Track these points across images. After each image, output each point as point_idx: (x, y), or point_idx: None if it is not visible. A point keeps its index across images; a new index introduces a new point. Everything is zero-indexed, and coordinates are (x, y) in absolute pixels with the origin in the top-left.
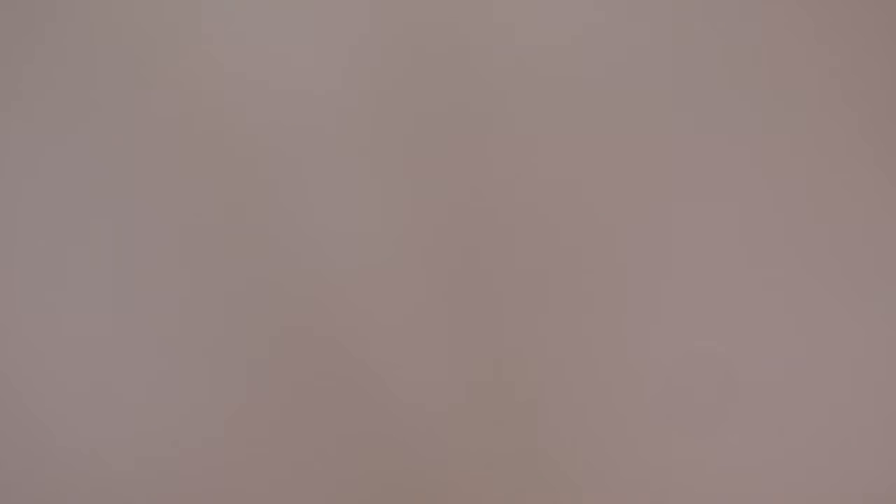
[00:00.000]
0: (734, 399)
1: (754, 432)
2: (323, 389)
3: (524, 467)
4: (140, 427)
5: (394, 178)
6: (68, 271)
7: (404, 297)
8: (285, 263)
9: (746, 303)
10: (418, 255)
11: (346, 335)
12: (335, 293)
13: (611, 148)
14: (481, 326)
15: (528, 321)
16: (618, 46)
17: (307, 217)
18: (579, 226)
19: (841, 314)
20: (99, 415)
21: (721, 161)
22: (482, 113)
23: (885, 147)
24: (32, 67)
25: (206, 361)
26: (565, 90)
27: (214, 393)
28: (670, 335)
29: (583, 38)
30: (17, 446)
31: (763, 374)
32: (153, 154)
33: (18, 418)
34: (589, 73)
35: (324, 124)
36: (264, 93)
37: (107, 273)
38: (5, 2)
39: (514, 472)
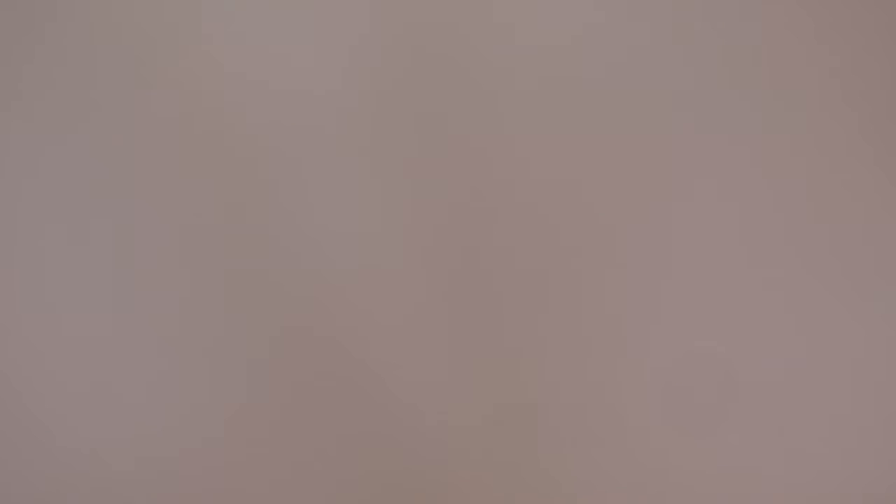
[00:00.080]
0: (734, 399)
1: (754, 432)
2: (323, 389)
3: (524, 467)
4: (140, 427)
5: (394, 178)
6: (68, 271)
7: (404, 297)
8: (285, 263)
9: (746, 303)
10: (418, 255)
11: (346, 335)
12: (335, 293)
13: (611, 148)
14: (481, 326)
15: (528, 321)
16: (618, 46)
17: (307, 217)
18: (579, 226)
19: (841, 314)
20: (99, 415)
21: (721, 161)
22: (482, 113)
23: (885, 147)
24: (32, 67)
25: (206, 361)
26: (565, 90)
27: (214, 393)
28: (670, 335)
29: (583, 38)
30: (17, 446)
31: (763, 374)
32: (153, 154)
33: (18, 418)
34: (589, 73)
35: (324, 124)
36: (264, 93)
37: (107, 273)
38: (5, 2)
39: (513, 472)
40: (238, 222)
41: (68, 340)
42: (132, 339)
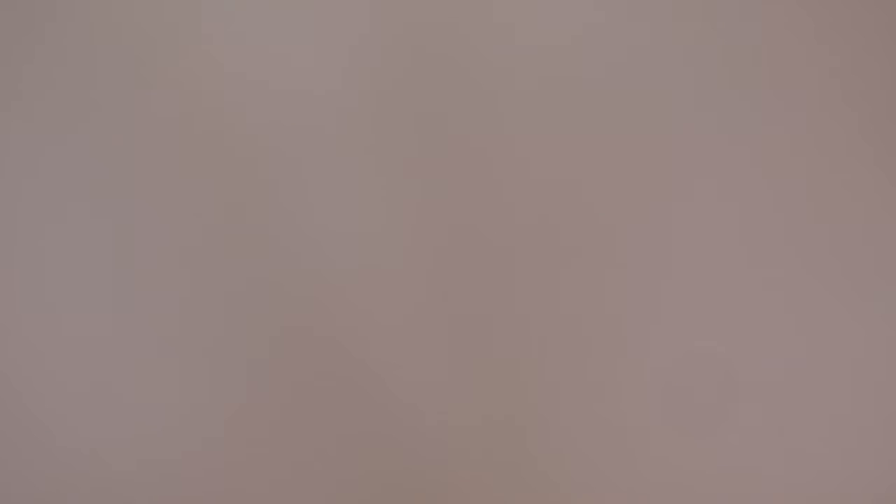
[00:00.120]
0: (734, 399)
1: (754, 432)
2: (323, 389)
3: (524, 467)
4: (140, 427)
5: (393, 178)
6: (68, 271)
7: (404, 297)
8: (285, 263)
9: (746, 303)
10: (418, 255)
11: (346, 335)
12: (335, 293)
13: (611, 148)
14: (481, 326)
15: (528, 321)
16: (618, 46)
17: (307, 217)
18: (580, 225)
19: (841, 314)
20: (99, 415)
21: (721, 161)
22: (482, 113)
23: (885, 147)
24: (32, 67)
25: (206, 361)
26: (565, 90)
27: (214, 393)
28: (670, 335)
29: (583, 38)
30: (18, 446)
31: (763, 374)
32: (153, 154)
33: (18, 418)
34: (589, 73)
35: (324, 124)
36: (264, 93)
37: (107, 273)
38: (5, 2)
39: (513, 472)
40: (238, 222)
41: (68, 340)
42: (132, 339)
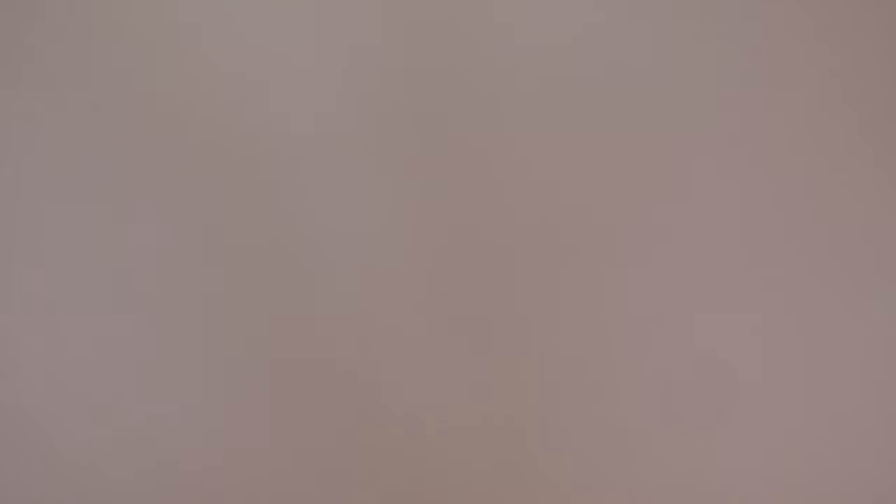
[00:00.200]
0: (734, 399)
1: (754, 432)
2: (323, 389)
3: (524, 468)
4: (139, 427)
5: (394, 178)
6: (68, 271)
7: (405, 297)
8: (285, 263)
9: (746, 303)
10: (419, 256)
11: (346, 335)
12: (335, 293)
13: (611, 148)
14: (481, 327)
15: (529, 321)
16: (618, 46)
17: (307, 217)
18: (580, 226)
19: (841, 314)
20: (98, 415)
21: (721, 161)
22: (482, 113)
23: (885, 147)
24: (32, 67)
25: (205, 361)
26: (565, 90)
27: (214, 393)
28: (670, 335)
29: (583, 38)
30: (17, 446)
31: (763, 374)
32: (153, 154)
33: (18, 418)
34: (589, 73)
35: (324, 124)
36: (264, 93)
37: (107, 273)
38: (5, 2)
39: (513, 472)
40: (238, 222)
41: (68, 340)
42: (132, 339)
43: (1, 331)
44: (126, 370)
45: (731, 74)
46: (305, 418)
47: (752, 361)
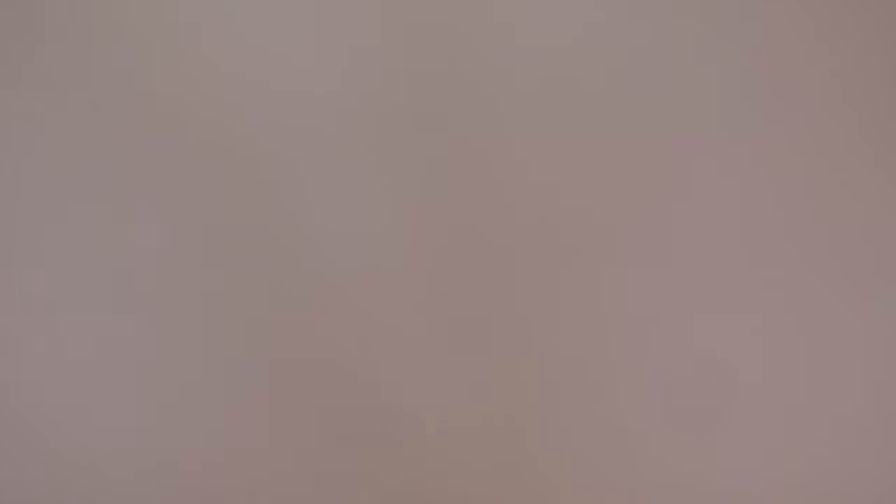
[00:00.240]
0: (734, 399)
1: (754, 432)
2: (323, 389)
3: (524, 468)
4: (139, 427)
5: (394, 178)
6: (68, 271)
7: (405, 297)
8: (285, 263)
9: (746, 303)
10: (418, 255)
11: (346, 335)
12: (335, 293)
13: (611, 148)
14: (481, 327)
15: (529, 321)
16: (618, 46)
17: (307, 217)
18: (580, 225)
19: (841, 314)
20: (98, 415)
21: (721, 161)
22: (482, 113)
23: (885, 147)
24: (32, 67)
25: (205, 361)
26: (565, 90)
27: (214, 393)
28: (670, 335)
29: (583, 38)
30: (17, 446)
31: (763, 374)
32: (153, 154)
33: (18, 418)
34: (589, 73)
35: (324, 124)
36: (264, 93)
37: (107, 273)
38: (5, 2)
39: (513, 472)
40: (238, 222)
41: (68, 340)
42: (132, 339)
43: (1, 331)
44: (126, 370)
45: (731, 74)
46: (305, 418)
47: (752, 361)
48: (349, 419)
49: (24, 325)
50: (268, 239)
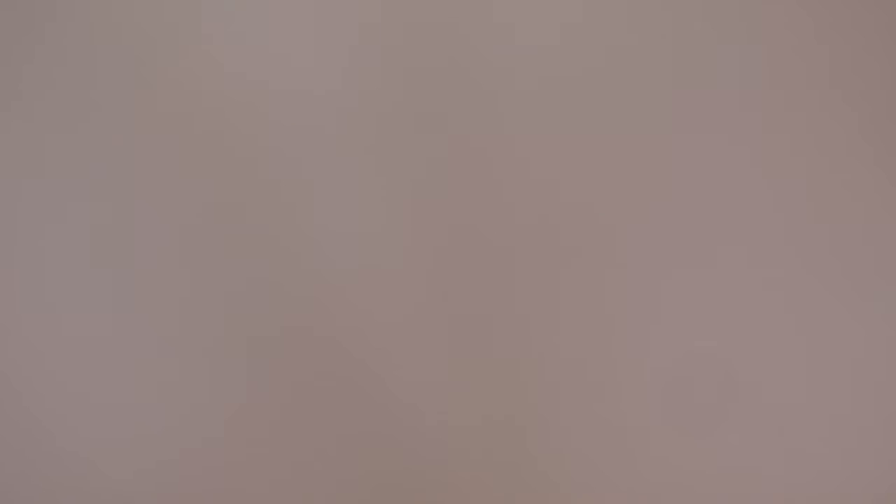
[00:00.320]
0: (734, 399)
1: (754, 432)
2: (323, 389)
3: (523, 467)
4: (140, 427)
5: (394, 177)
6: (68, 271)
7: (404, 297)
8: (285, 263)
9: (746, 303)
10: (418, 255)
11: (346, 335)
12: (335, 293)
13: (611, 148)
14: (481, 326)
15: (528, 321)
16: (618, 46)
17: (307, 217)
18: (580, 225)
19: (841, 314)
20: (98, 415)
21: (721, 161)
22: (482, 113)
23: (885, 147)
24: (32, 67)
25: (206, 361)
26: (566, 90)
27: (214, 393)
28: (670, 335)
29: (583, 38)
30: (17, 446)
31: (763, 374)
32: (153, 154)
33: (18, 418)
34: (589, 73)
35: (324, 124)
36: (264, 93)
37: (107, 273)
38: (5, 2)
39: (513, 472)
40: (238, 222)
41: (68, 340)
42: (132, 339)
43: (1, 331)
44: (126, 370)
45: (731, 74)
46: (305, 418)
47: (752, 361)
48: (349, 419)
49: (24, 325)
50: (268, 239)
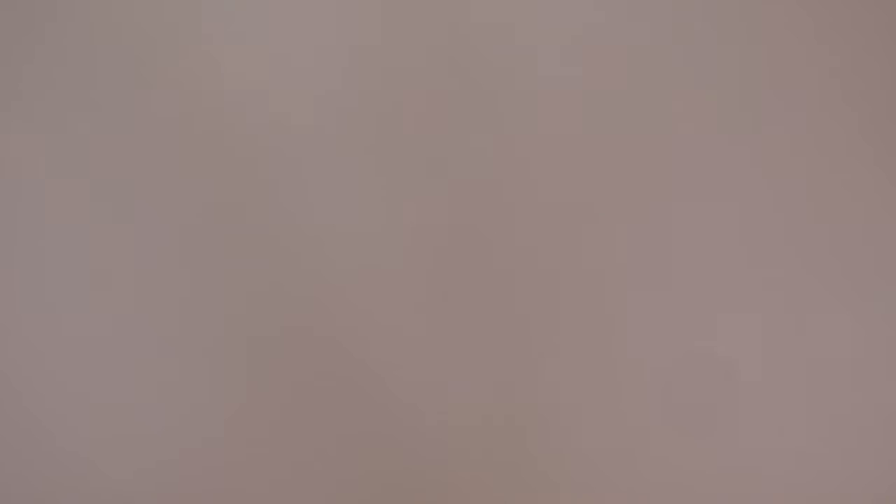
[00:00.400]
0: (734, 399)
1: (754, 432)
2: (323, 389)
3: (524, 467)
4: (140, 427)
5: (393, 177)
6: (68, 271)
7: (404, 297)
8: (285, 263)
9: (746, 303)
10: (418, 255)
11: (346, 335)
12: (335, 293)
13: (611, 148)
14: (481, 326)
15: (528, 320)
16: (618, 46)
17: (307, 217)
18: (580, 225)
19: (841, 314)
20: (99, 415)
21: (721, 161)
22: (482, 113)
23: (885, 147)
24: (32, 67)
25: (206, 361)
26: (565, 90)
27: (214, 393)
28: (670, 335)
29: (583, 38)
30: (17, 446)
31: (763, 374)
32: (153, 154)
33: (18, 418)
34: (589, 73)
35: (324, 124)
36: (264, 93)
37: (107, 273)
38: (5, 2)
39: (513, 472)
40: (238, 222)
41: (68, 340)
42: (132, 339)
43: (1, 331)
44: (126, 370)
45: (731, 74)
46: (305, 418)
47: (752, 361)
48: (349, 419)
49: (24, 325)
50: (268, 239)
